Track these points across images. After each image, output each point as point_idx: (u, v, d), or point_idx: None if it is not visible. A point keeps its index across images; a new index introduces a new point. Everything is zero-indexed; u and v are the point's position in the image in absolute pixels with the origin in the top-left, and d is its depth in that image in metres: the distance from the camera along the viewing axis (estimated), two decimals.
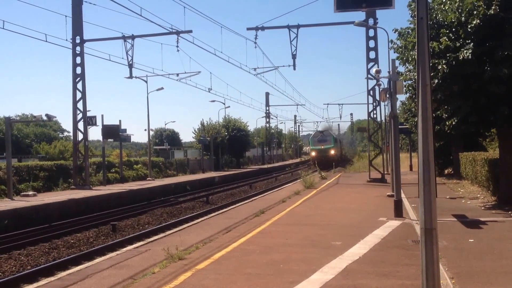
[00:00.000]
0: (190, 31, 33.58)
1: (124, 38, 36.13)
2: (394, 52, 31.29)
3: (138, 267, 11.19)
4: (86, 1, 34.77)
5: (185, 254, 11.86)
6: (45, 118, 30.37)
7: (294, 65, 38.79)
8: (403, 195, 20.99)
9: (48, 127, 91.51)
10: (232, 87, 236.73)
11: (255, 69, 41.94)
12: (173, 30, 33.35)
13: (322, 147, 69.59)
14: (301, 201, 22.97)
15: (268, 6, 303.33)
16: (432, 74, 27.04)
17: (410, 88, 30.92)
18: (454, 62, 26.13)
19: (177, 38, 33.95)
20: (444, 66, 26.15)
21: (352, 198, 24.42)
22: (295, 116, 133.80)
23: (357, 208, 20.45)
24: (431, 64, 26.57)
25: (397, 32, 30.61)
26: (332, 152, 70.02)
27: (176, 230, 16.73)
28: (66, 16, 33.62)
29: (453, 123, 28.36)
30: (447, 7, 27.60)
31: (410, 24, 29.48)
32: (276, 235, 14.40)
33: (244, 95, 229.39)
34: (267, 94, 70.18)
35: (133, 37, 36.26)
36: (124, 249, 14.06)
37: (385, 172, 36.25)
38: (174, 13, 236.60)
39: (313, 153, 71.84)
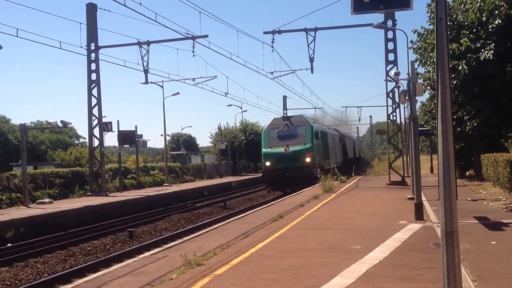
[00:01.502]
0: (206, 36, 33.76)
1: (139, 44, 36.38)
2: (414, 53, 31.31)
3: (156, 273, 11.23)
4: (100, 8, 35.13)
5: (202, 260, 11.89)
6: (60, 124, 30.62)
7: (311, 68, 38.85)
8: (423, 198, 20.89)
9: (63, 134, 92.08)
10: (249, 91, 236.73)
11: (272, 73, 41.92)
12: (189, 35, 33.56)
13: (287, 149, 39.81)
14: (320, 205, 22.95)
15: (284, 10, 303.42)
16: (452, 75, 27.04)
17: (429, 88, 30.85)
18: (474, 63, 26.11)
19: (193, 43, 34.15)
20: (465, 67, 26.11)
21: (372, 201, 24.36)
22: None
23: (377, 211, 20.40)
24: (451, 65, 26.58)
25: (416, 33, 30.63)
26: (308, 159, 39.82)
27: (194, 236, 16.79)
28: (80, 23, 33.94)
29: (474, 124, 28.36)
30: (467, 7, 27.59)
31: (429, 25, 29.33)
32: (295, 239, 14.42)
33: (261, 99, 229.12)
34: (285, 97, 69.93)
35: (148, 43, 36.49)
36: (142, 255, 14.14)
37: (406, 175, 36.08)
38: (190, 18, 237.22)
39: (268, 163, 40.46)
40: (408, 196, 23.99)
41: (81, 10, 35.69)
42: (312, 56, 37.52)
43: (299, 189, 35.13)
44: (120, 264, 13.12)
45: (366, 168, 67.90)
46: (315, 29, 36.85)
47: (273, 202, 27.42)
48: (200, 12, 30.75)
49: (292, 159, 38.93)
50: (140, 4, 23.38)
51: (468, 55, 26.29)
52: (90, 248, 19.38)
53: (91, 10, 35.88)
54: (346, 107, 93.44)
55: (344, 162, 58.45)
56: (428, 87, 31.35)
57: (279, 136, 40.57)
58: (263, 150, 40.66)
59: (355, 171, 55.85)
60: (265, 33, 37.12)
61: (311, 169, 39.24)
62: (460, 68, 26.21)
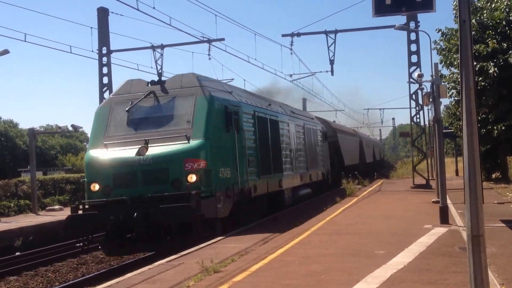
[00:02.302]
0: (223, 39, 34.00)
1: (153, 47, 36.64)
2: (438, 54, 31.32)
3: (172, 281, 11.32)
4: (112, 12, 35.61)
5: (220, 266, 11.97)
6: (70, 128, 31.03)
7: (332, 71, 38.86)
8: (449, 201, 20.88)
9: (74, 138, 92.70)
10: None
11: (291, 76, 42.05)
12: (205, 39, 33.77)
13: (144, 151, 16.98)
14: (341, 210, 23.01)
15: (303, 12, 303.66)
16: (481, 77, 27.03)
17: (454, 91, 30.83)
18: (502, 64, 26.07)
19: (209, 46, 34.38)
20: (495, 69, 26.05)
21: (395, 205, 24.39)
22: (333, 121, 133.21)
23: (400, 215, 20.44)
24: (478, 67, 26.57)
25: (440, 32, 30.63)
26: (192, 177, 16.73)
27: (210, 242, 16.83)
28: (91, 27, 34.32)
29: (502, 128, 28.29)
30: (495, 5, 27.54)
31: (455, 24, 29.33)
32: (316, 245, 14.53)
33: (282, 100, 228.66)
34: (304, 100, 69.67)
35: (162, 47, 36.73)
36: (157, 263, 14.24)
37: (430, 178, 36.03)
38: (206, 22, 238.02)
39: (94, 186, 17.40)
40: (432, 200, 23.98)
41: (93, 14, 35.86)
42: (332, 58, 37.56)
43: None
44: (135, 272, 13.19)
45: (389, 171, 67.59)
46: (335, 31, 36.84)
47: (293, 207, 27.40)
48: (216, 15, 30.80)
49: (150, 177, 17.12)
50: (154, 8, 23.56)
51: (499, 56, 26.28)
52: (103, 255, 19.51)
53: (103, 14, 36.41)
54: (368, 109, 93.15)
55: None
56: (453, 90, 31.31)
57: (131, 121, 18.51)
58: (88, 153, 18.67)
59: (377, 174, 55.65)
60: (283, 35, 37.32)
61: (196, 201, 15.89)
62: (490, 70, 26.15)
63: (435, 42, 31.52)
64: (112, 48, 36.92)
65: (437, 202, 20.58)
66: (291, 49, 37.18)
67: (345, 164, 43.36)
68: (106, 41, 36.43)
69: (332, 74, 39.24)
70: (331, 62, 37.83)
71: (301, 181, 28.68)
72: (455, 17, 30.57)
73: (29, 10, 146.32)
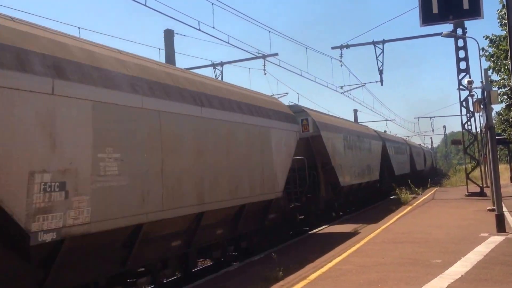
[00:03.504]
0: (276, 54, 34.15)
1: (213, 65, 37.20)
2: (486, 61, 30.53)
3: None
4: (177, 34, 36.20)
5: (280, 274, 11.88)
6: None
7: (381, 81, 38.63)
8: (505, 209, 20.25)
9: None
10: (319, 106, 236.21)
11: (341, 87, 41.96)
12: (260, 54, 34.00)
13: None
14: (395, 219, 22.62)
15: (351, 25, 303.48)
16: None
17: (505, 96, 30.03)
18: None
19: (264, 61, 34.59)
20: None
21: (450, 213, 23.79)
22: (384, 131, 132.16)
23: (455, 224, 19.90)
24: None
25: (488, 39, 29.88)
26: None
27: (271, 250, 16.79)
28: (159, 48, 35.03)
29: None
30: None
31: (501, 30, 28.65)
32: (372, 253, 14.27)
33: (332, 114, 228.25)
34: (355, 111, 69.20)
35: (222, 64, 37.27)
36: (221, 271, 14.20)
37: (484, 185, 35.10)
38: (260, 38, 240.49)
39: None
40: (488, 208, 23.33)
41: (160, 36, 36.80)
42: (381, 68, 37.36)
43: None
44: (203, 280, 13.08)
45: (441, 179, 66.28)
46: (383, 42, 36.69)
47: (347, 216, 27.16)
48: (269, 31, 31.09)
49: None
50: (214, 27, 23.95)
51: None
52: None
53: (169, 35, 37.07)
54: (419, 117, 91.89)
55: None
56: (505, 96, 30.49)
57: None
58: None
59: (431, 182, 54.59)
60: (333, 48, 37.32)
61: None
62: None
63: (483, 49, 30.80)
64: (177, 66, 37.52)
65: (492, 210, 20.02)
66: (341, 61, 37.13)
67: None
68: (172, 60, 36.99)
69: (382, 84, 38.96)
70: (380, 72, 37.71)
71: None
72: (500, 24, 29.83)
73: (106, 35, 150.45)
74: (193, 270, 14.01)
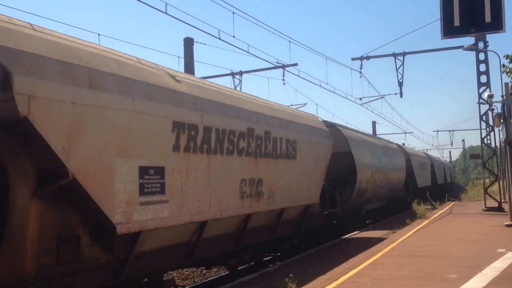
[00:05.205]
0: (296, 64, 33.93)
1: (232, 74, 37.07)
2: (507, 77, 30.17)
3: None
4: (197, 42, 36.17)
5: (295, 286, 11.77)
6: None
7: (401, 93, 38.31)
8: None
9: None
10: (338, 117, 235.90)
11: (361, 99, 41.72)
12: (279, 64, 33.85)
13: None
14: (412, 232, 22.34)
15: (372, 36, 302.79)
16: None
17: None
18: None
19: (283, 71, 34.42)
20: None
21: (467, 228, 23.45)
22: (403, 144, 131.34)
23: (473, 238, 19.60)
24: None
25: (508, 58, 29.54)
26: None
27: (288, 261, 16.70)
28: (178, 57, 35.06)
29: None
30: None
31: None
32: (388, 267, 14.06)
33: (350, 125, 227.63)
34: (374, 123, 68.96)
35: (241, 73, 37.12)
36: (236, 281, 14.13)
37: (502, 201, 34.60)
38: (280, 48, 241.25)
39: None
40: (506, 223, 22.97)
41: (180, 44, 36.92)
42: (401, 80, 37.09)
43: None
44: None
45: (459, 194, 65.59)
46: (404, 54, 36.42)
47: (364, 228, 26.95)
48: (289, 42, 30.92)
49: None
50: (234, 36, 23.86)
51: None
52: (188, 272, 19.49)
53: (188, 44, 37.05)
54: (438, 131, 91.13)
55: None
56: None
57: None
58: None
59: (448, 196, 54.05)
60: (353, 59, 37.11)
61: None
62: None
63: (504, 66, 30.41)
64: (196, 75, 37.52)
65: (510, 225, 19.73)
66: (360, 72, 36.95)
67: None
68: (191, 68, 37.00)
69: (401, 96, 38.64)
70: (400, 84, 37.41)
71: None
72: None
73: (126, 42, 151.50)
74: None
